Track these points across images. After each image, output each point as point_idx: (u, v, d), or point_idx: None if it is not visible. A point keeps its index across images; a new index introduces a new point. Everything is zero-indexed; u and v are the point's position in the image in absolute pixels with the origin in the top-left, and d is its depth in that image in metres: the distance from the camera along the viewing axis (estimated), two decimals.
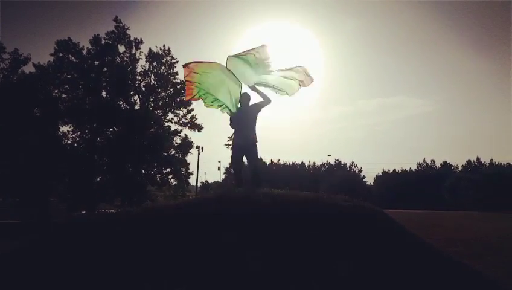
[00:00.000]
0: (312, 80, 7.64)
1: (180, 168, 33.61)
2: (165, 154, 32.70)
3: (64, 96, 31.50)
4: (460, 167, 63.63)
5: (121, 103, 32.35)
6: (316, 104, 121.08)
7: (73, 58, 31.16)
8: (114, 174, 31.01)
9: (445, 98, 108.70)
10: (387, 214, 6.96)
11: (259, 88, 7.60)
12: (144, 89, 33.06)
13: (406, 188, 56.51)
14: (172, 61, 33.02)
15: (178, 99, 33.18)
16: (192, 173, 36.38)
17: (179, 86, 33.10)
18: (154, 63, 32.80)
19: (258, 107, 7.61)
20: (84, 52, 31.33)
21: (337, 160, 68.15)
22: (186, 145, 33.80)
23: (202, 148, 42.41)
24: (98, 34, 31.71)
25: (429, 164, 65.26)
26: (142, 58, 32.67)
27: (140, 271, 4.96)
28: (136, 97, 33.02)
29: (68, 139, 31.30)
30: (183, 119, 33.70)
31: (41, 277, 5.19)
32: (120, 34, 31.77)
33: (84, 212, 22.13)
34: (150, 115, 32.21)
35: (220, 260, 5.00)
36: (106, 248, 5.47)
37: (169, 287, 4.69)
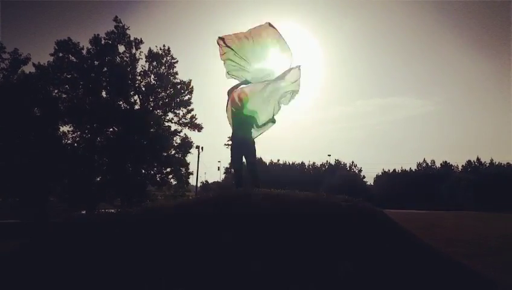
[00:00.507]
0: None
1: (180, 168, 33.62)
2: (165, 154, 32.70)
3: (64, 96, 31.49)
4: (460, 167, 63.65)
5: (121, 102, 32.36)
6: (316, 104, 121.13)
7: (73, 58, 31.16)
8: (114, 174, 31.01)
9: (445, 99, 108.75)
10: (387, 214, 6.96)
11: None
12: (143, 89, 33.06)
13: (406, 188, 56.52)
14: (172, 61, 33.03)
15: (178, 99, 33.19)
16: (192, 173, 36.42)
17: (178, 86, 33.11)
18: (154, 63, 32.80)
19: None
20: (84, 52, 31.33)
21: (337, 160, 68.19)
22: (186, 145, 33.81)
23: (202, 148, 42.48)
24: (98, 34, 31.76)
25: (429, 164, 65.26)
26: (142, 58, 32.69)
27: (139, 272, 4.96)
28: (136, 97, 33.04)
29: (68, 139, 31.32)
30: (183, 119, 33.71)
31: (40, 278, 5.19)
32: (120, 34, 31.77)
33: (84, 212, 22.15)
34: (149, 115, 32.21)
35: (220, 260, 5.00)
36: (105, 248, 5.47)
37: (169, 287, 4.69)
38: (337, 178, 51.46)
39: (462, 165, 63.34)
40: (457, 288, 5.52)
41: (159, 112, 33.54)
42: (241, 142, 7.56)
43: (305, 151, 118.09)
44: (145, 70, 32.83)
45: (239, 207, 5.96)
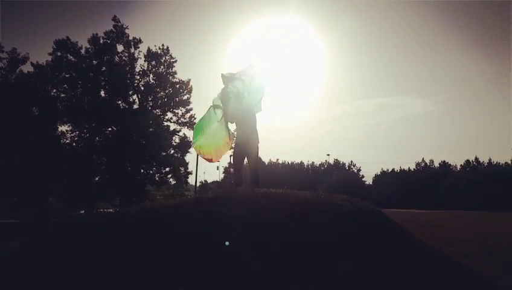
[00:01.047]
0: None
1: (179, 167, 33.61)
2: (164, 153, 32.68)
3: (62, 95, 31.45)
4: (459, 167, 63.78)
5: (120, 102, 32.32)
6: (315, 103, 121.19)
7: (71, 57, 31.11)
8: (113, 173, 30.98)
9: (444, 98, 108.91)
10: (386, 214, 6.97)
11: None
12: (142, 88, 33.02)
13: (405, 188, 56.63)
14: (171, 60, 33.00)
15: (177, 99, 33.15)
16: (191, 173, 36.41)
17: (177, 86, 33.08)
18: (153, 63, 32.77)
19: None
20: (83, 51, 31.28)
21: (336, 159, 68.29)
22: (185, 144, 33.78)
23: None
24: (97, 34, 31.70)
25: (428, 164, 65.39)
26: (140, 58, 32.67)
27: (138, 271, 4.95)
28: (134, 96, 33.01)
29: (67, 139, 31.28)
30: (182, 119, 33.68)
31: (39, 277, 5.18)
32: (119, 33, 31.72)
33: (83, 212, 22.13)
34: (148, 115, 32.17)
35: (219, 260, 5.00)
36: (105, 247, 5.46)
37: (168, 287, 4.68)
38: (336, 178, 51.44)
39: (461, 165, 63.51)
40: (456, 288, 5.52)
41: (157, 111, 33.51)
42: (245, 142, 7.58)
43: (304, 151, 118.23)
44: (143, 69, 32.82)
45: (238, 207, 5.95)
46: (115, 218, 6.71)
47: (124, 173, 30.92)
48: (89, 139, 31.33)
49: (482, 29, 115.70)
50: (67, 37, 31.06)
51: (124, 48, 32.19)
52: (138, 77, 32.91)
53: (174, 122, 33.80)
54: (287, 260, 5.04)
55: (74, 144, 31.38)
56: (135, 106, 32.71)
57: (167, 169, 33.33)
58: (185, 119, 33.66)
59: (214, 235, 5.32)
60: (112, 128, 31.92)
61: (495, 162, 58.55)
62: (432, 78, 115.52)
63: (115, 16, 31.82)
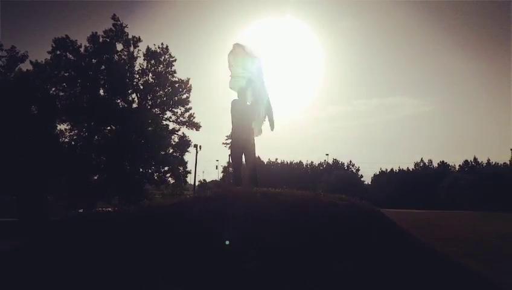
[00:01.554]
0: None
1: (178, 166, 33.60)
2: (163, 153, 32.66)
3: (61, 94, 31.41)
4: (457, 167, 63.86)
5: (119, 101, 32.29)
6: (314, 103, 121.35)
7: (70, 56, 31.06)
8: (111, 172, 30.96)
9: (443, 99, 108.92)
10: (385, 214, 6.97)
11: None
12: (141, 87, 32.99)
13: (404, 188, 56.66)
14: (171, 59, 32.96)
15: (176, 98, 33.14)
16: (190, 172, 36.46)
17: (177, 85, 33.06)
18: (152, 61, 32.73)
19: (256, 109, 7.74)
20: (82, 50, 31.25)
21: (335, 159, 68.28)
22: (184, 143, 33.78)
23: (200, 147, 42.55)
24: (96, 32, 31.66)
25: (427, 164, 65.45)
26: (140, 57, 32.64)
27: (137, 271, 4.95)
28: (133, 95, 32.99)
29: (65, 138, 31.27)
30: (181, 118, 33.67)
31: (37, 276, 5.18)
32: (118, 32, 31.69)
33: (81, 210, 22.12)
34: (147, 114, 32.15)
35: (217, 259, 4.99)
36: (103, 246, 5.45)
37: (166, 286, 4.68)
38: (335, 177, 51.48)
39: (460, 165, 63.59)
40: (455, 287, 5.53)
41: (157, 110, 33.49)
42: (242, 141, 7.57)
43: (303, 151, 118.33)
44: (143, 68, 32.78)
45: (237, 206, 5.95)
46: (113, 217, 6.71)
47: (123, 172, 30.90)
48: (88, 138, 31.30)
49: (482, 29, 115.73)
50: (67, 36, 31.07)
51: (124, 46, 32.18)
52: (137, 76, 32.90)
53: (173, 121, 33.82)
54: (286, 259, 5.04)
55: (73, 142, 31.36)
56: (134, 105, 32.70)
57: (166, 168, 33.33)
58: (184, 118, 33.66)
59: (213, 235, 5.32)
60: (111, 127, 31.90)
61: (494, 163, 58.65)
62: (431, 78, 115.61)
63: (115, 15, 31.83)
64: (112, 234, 5.71)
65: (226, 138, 43.99)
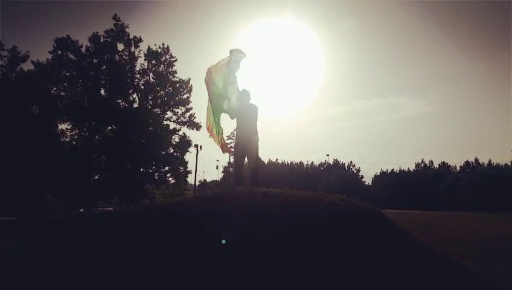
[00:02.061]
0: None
1: (179, 166, 33.64)
2: (164, 152, 32.70)
3: (62, 94, 31.47)
4: (458, 168, 63.81)
5: (120, 101, 32.33)
6: (314, 103, 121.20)
7: (72, 56, 31.11)
8: (112, 172, 30.99)
9: (443, 99, 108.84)
10: (385, 214, 6.98)
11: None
12: (142, 87, 33.03)
13: (404, 188, 56.64)
14: (171, 59, 33.00)
15: (177, 98, 33.18)
16: (190, 172, 36.47)
17: (177, 85, 33.10)
18: (153, 62, 32.78)
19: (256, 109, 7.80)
20: (83, 50, 31.29)
21: (336, 160, 68.27)
22: (185, 143, 33.81)
23: (201, 147, 42.50)
24: (97, 32, 31.71)
25: (427, 164, 65.42)
26: (141, 57, 32.68)
27: (137, 270, 4.96)
28: (134, 95, 33.03)
29: (66, 137, 31.31)
30: (181, 118, 33.71)
31: (37, 276, 5.19)
32: (119, 32, 31.73)
33: (81, 210, 22.15)
34: (148, 114, 32.19)
35: (218, 259, 5.01)
36: (103, 246, 5.47)
37: (166, 286, 4.69)
38: (336, 178, 51.45)
39: (460, 166, 63.56)
40: (454, 288, 5.54)
41: (157, 110, 33.53)
42: (244, 142, 7.61)
43: (303, 151, 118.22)
44: (144, 68, 32.82)
45: (237, 206, 5.96)
46: (114, 217, 6.72)
47: (124, 172, 30.94)
48: (89, 137, 31.34)
49: (482, 29, 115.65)
50: (68, 36, 31.13)
51: (125, 46, 32.21)
52: (138, 76, 32.93)
53: (173, 121, 33.86)
54: (286, 259, 5.05)
55: (74, 142, 31.40)
56: (135, 105, 32.74)
57: (166, 168, 33.37)
58: (184, 118, 33.71)
59: (213, 235, 5.33)
60: (112, 127, 31.95)
61: (495, 163, 58.59)
62: (432, 79, 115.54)
63: (116, 15, 31.86)
64: (112, 234, 5.72)
65: (226, 138, 43.90)
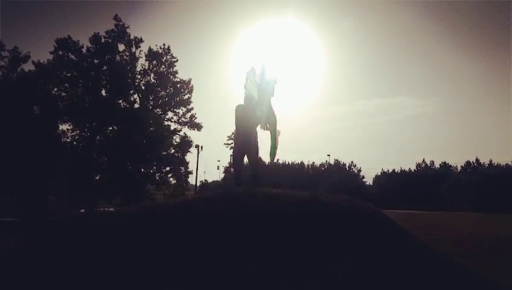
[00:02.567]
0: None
1: (180, 167, 33.65)
2: (164, 153, 32.71)
3: (63, 94, 31.49)
4: (459, 168, 63.69)
5: (121, 101, 32.35)
6: (315, 104, 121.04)
7: (73, 56, 31.14)
8: (113, 173, 31.01)
9: (445, 99, 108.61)
10: (386, 214, 6.97)
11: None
12: (143, 87, 33.06)
13: (405, 189, 56.51)
14: (172, 60, 33.01)
15: (177, 98, 33.19)
16: (191, 172, 36.46)
17: (178, 85, 33.12)
18: (154, 62, 32.79)
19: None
20: (84, 50, 31.30)
21: (337, 160, 68.06)
22: (186, 144, 33.82)
23: (202, 147, 42.47)
24: (98, 33, 31.72)
25: (428, 165, 65.25)
26: (141, 57, 32.69)
27: (138, 271, 4.96)
28: (135, 96, 33.05)
29: (67, 138, 31.32)
30: (182, 118, 33.73)
31: (38, 276, 5.19)
32: (120, 32, 31.75)
33: (83, 210, 22.17)
34: (149, 114, 32.21)
35: (218, 259, 5.00)
36: (104, 246, 5.47)
37: (167, 286, 4.69)
38: (337, 178, 51.44)
39: (461, 166, 63.40)
40: (455, 287, 5.53)
41: (158, 110, 33.55)
42: (243, 142, 7.62)
43: (304, 151, 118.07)
44: (145, 69, 32.84)
45: (238, 207, 5.96)
46: (115, 217, 6.73)
47: (125, 172, 30.95)
48: (90, 138, 31.36)
49: (482, 29, 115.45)
50: (69, 36, 31.14)
51: (125, 47, 32.23)
52: (139, 76, 32.96)
53: (174, 121, 33.87)
54: (287, 260, 5.04)
55: (75, 143, 31.42)
56: (136, 105, 32.75)
57: (167, 168, 33.37)
58: (185, 118, 33.71)
59: (214, 235, 5.33)
60: (113, 128, 31.97)
61: (496, 164, 58.49)
62: (433, 79, 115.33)
63: (116, 15, 31.88)
64: (112, 234, 5.72)
65: (227, 138, 43.94)
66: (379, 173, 66.38)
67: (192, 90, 33.68)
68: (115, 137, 31.10)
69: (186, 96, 33.44)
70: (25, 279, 5.20)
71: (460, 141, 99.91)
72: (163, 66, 32.88)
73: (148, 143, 31.19)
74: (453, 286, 5.53)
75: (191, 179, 40.51)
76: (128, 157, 30.93)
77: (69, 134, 31.24)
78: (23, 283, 5.14)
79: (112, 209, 8.89)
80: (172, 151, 33.53)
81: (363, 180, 63.79)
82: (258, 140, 7.84)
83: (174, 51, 33.68)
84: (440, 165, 64.93)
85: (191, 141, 34.32)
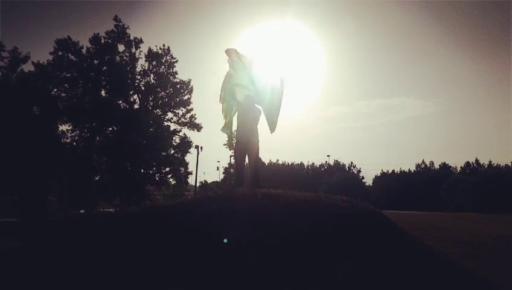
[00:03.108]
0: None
1: (179, 167, 33.67)
2: (164, 153, 32.73)
3: (63, 95, 31.55)
4: (459, 169, 63.68)
5: (120, 102, 32.39)
6: (316, 104, 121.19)
7: (72, 57, 31.18)
8: (113, 173, 31.03)
9: (445, 100, 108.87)
10: (386, 215, 6.96)
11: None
12: (143, 88, 33.09)
13: (405, 189, 56.51)
14: (172, 60, 33.06)
15: (177, 99, 33.22)
16: (191, 173, 36.49)
17: (178, 86, 33.15)
18: (154, 63, 32.84)
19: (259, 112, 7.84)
20: (84, 51, 31.37)
21: (336, 160, 68.17)
22: (185, 144, 33.84)
23: (201, 147, 42.48)
24: (98, 33, 31.84)
25: (428, 165, 65.25)
26: (141, 58, 32.79)
27: (138, 271, 4.95)
28: (135, 96, 33.12)
29: (67, 138, 31.38)
30: (182, 119, 33.76)
31: (38, 276, 5.19)
32: (120, 33, 31.80)
33: (82, 211, 22.16)
34: (149, 115, 32.23)
35: (218, 259, 5.00)
36: (104, 247, 5.46)
37: (167, 287, 4.68)
38: (336, 179, 51.40)
39: (461, 167, 63.39)
40: (456, 288, 5.52)
41: (158, 111, 33.56)
42: (245, 142, 7.61)
43: (304, 152, 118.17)
44: (144, 69, 32.90)
45: (238, 207, 5.95)
46: (114, 217, 6.72)
47: (124, 173, 30.96)
48: (90, 138, 31.39)
49: (482, 29, 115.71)
50: (69, 37, 31.22)
51: (125, 47, 32.29)
52: (139, 77, 33.00)
53: (174, 122, 33.92)
54: (286, 260, 5.04)
55: (74, 143, 31.45)
56: (136, 106, 32.79)
57: (167, 169, 33.42)
58: (185, 119, 33.74)
59: (214, 235, 5.32)
60: (113, 128, 31.99)
61: (495, 164, 58.47)
62: (433, 79, 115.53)
63: (116, 16, 31.97)
64: (112, 235, 5.72)
65: (227, 138, 43.97)
66: (379, 174, 66.43)
67: (192, 90, 33.75)
68: (114, 138, 31.11)
69: (186, 97, 33.49)
70: (25, 279, 5.19)
71: (460, 142, 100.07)
72: (163, 67, 32.93)
73: (148, 144, 31.22)
74: (454, 287, 5.53)
75: (191, 180, 40.55)
76: (128, 158, 30.95)
77: (69, 134, 31.35)
78: (23, 283, 5.14)
79: (111, 209, 8.87)
80: (172, 151, 33.55)
81: (363, 181, 63.83)
82: (259, 140, 7.82)
83: (173, 52, 33.86)
84: (440, 165, 64.92)
85: (191, 141, 34.40)
